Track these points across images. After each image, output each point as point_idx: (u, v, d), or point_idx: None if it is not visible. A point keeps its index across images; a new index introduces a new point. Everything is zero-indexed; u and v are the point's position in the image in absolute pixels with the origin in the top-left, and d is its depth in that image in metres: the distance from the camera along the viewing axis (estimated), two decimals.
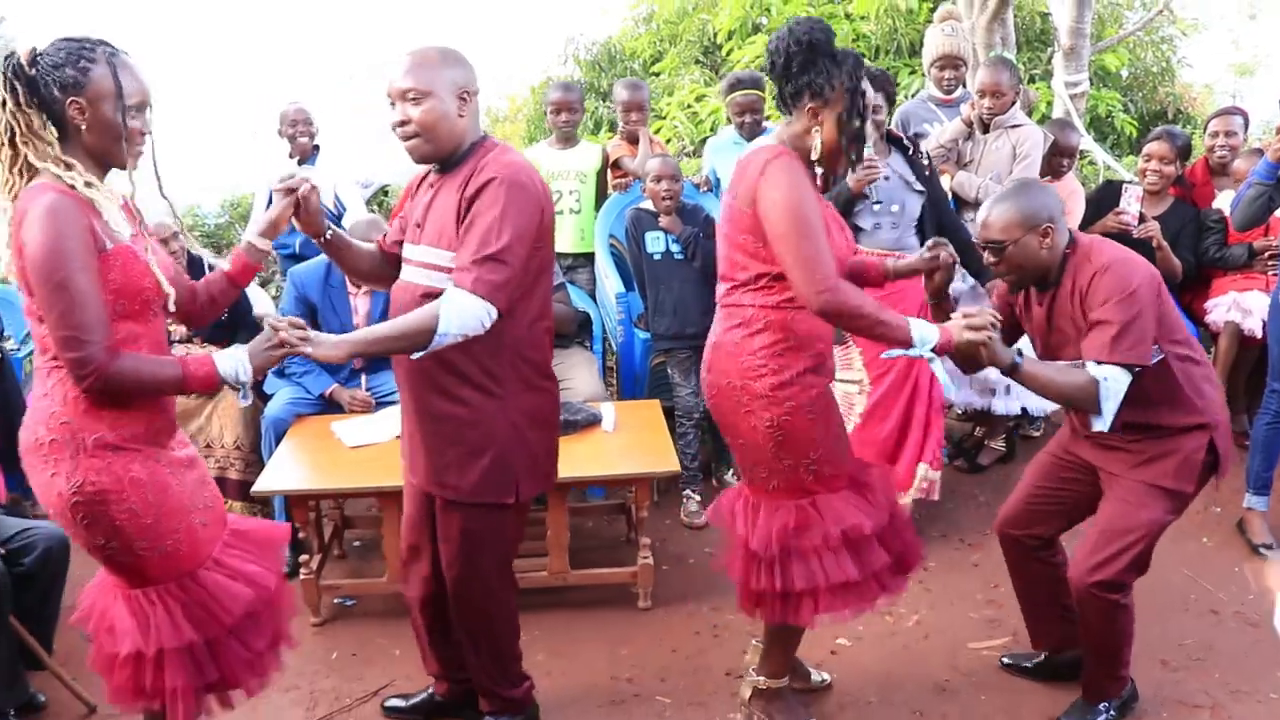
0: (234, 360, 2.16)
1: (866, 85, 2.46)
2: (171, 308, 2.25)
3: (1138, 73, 8.04)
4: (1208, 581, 3.58)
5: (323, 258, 3.90)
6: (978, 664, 3.15)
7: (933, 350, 2.36)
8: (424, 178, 2.57)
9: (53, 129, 2.04)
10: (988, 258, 2.63)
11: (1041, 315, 2.68)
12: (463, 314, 2.23)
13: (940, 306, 2.75)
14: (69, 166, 2.03)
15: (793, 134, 2.46)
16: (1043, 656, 3.03)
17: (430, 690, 2.95)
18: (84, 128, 2.05)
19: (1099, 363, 2.46)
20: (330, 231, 2.58)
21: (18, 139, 2.02)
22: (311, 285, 3.97)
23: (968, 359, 2.48)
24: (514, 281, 2.31)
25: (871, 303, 2.37)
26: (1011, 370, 2.47)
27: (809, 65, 2.39)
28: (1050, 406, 4.32)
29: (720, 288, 2.58)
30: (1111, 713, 2.80)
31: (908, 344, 2.36)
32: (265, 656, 2.38)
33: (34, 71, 2.02)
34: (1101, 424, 2.49)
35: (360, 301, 4.03)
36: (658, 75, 8.13)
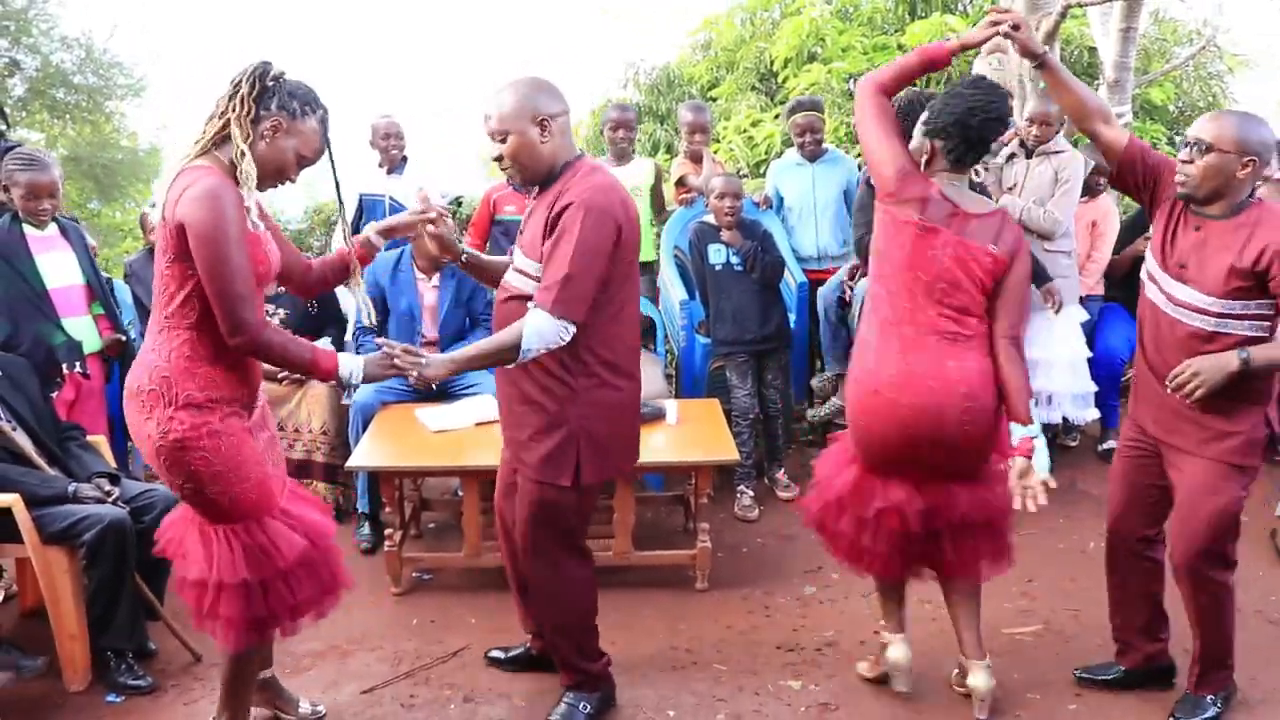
0: (352, 364, 2.50)
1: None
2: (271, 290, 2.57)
3: (1184, 107, 8.20)
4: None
5: (394, 250, 4.33)
6: (1010, 646, 3.37)
7: None
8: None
9: (250, 128, 2.37)
10: (1184, 155, 2.64)
11: (1196, 240, 2.68)
12: (542, 333, 2.52)
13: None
14: (244, 156, 2.35)
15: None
16: (1121, 671, 3.08)
17: (527, 645, 3.22)
18: (265, 143, 2.38)
19: None
20: (465, 255, 2.91)
21: (232, 120, 2.34)
22: (382, 272, 4.40)
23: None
24: (588, 294, 2.55)
25: None
26: (1244, 363, 2.58)
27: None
28: (1089, 416, 4.53)
29: (949, 321, 2.70)
30: (1219, 705, 2.88)
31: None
32: (305, 605, 2.62)
33: (272, 84, 2.37)
34: None
35: (428, 292, 4.40)
36: (715, 100, 8.23)
